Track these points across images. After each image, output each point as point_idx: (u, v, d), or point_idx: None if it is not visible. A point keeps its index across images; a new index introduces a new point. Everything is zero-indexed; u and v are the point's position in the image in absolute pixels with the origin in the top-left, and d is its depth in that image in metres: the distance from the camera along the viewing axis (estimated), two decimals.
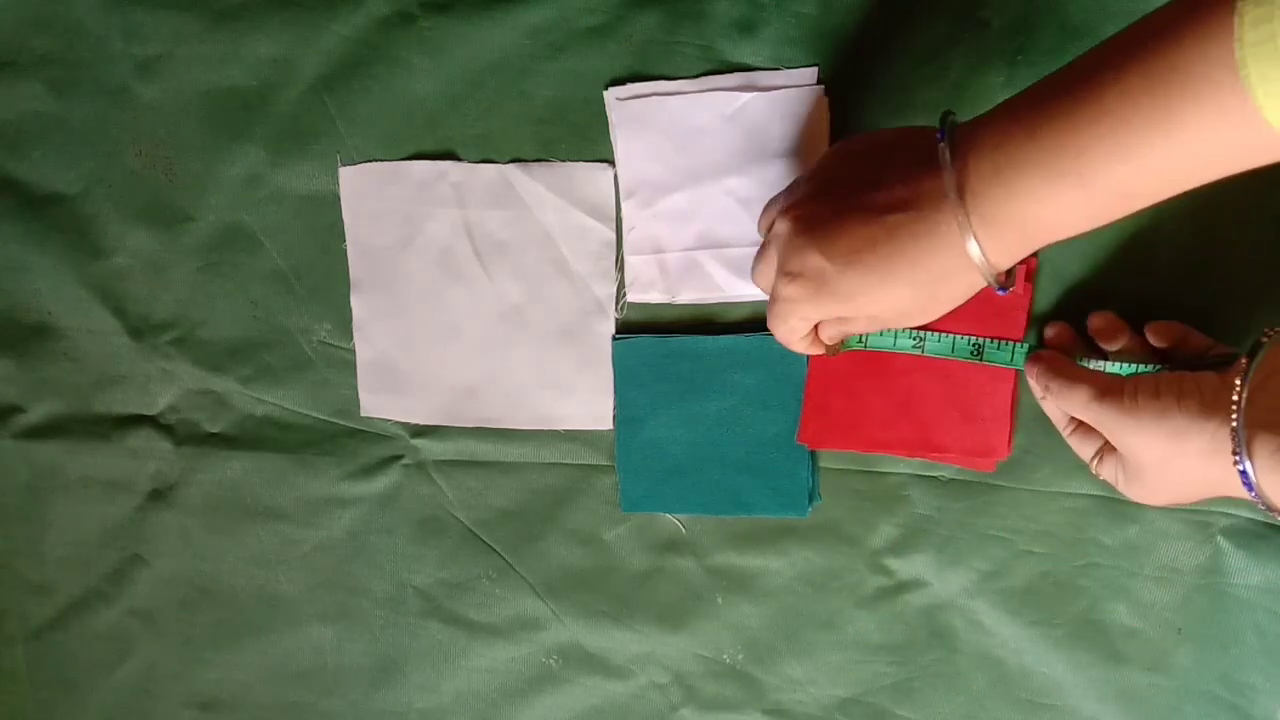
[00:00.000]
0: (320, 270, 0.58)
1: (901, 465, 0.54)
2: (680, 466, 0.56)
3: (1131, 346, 0.47)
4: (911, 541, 0.54)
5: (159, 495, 0.62)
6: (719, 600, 0.57)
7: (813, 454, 0.55)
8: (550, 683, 0.60)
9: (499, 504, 0.59)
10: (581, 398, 0.57)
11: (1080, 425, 0.48)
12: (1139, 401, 0.42)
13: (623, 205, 0.54)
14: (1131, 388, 0.42)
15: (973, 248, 0.37)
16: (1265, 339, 0.41)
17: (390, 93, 0.55)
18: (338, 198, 0.57)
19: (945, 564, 0.54)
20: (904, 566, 0.55)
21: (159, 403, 0.61)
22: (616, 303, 0.56)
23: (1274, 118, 0.29)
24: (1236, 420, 0.38)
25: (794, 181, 0.44)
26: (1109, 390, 0.43)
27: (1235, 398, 0.39)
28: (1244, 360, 0.40)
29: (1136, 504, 0.52)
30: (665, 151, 0.53)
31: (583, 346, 0.56)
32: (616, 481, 0.57)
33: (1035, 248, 0.37)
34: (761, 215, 0.47)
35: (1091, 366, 0.47)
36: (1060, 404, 0.46)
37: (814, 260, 0.40)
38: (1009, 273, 0.39)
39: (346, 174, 0.56)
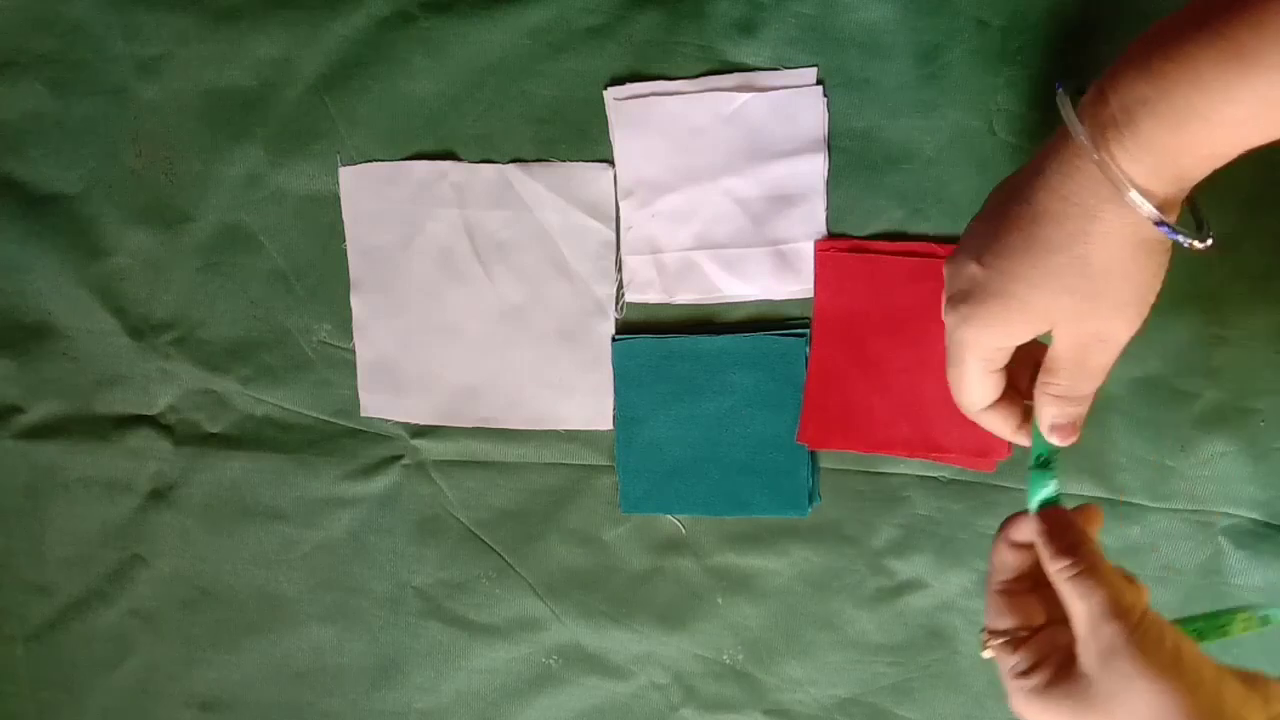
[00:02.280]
0: (320, 270, 0.58)
1: (902, 465, 0.54)
2: (680, 467, 0.56)
3: None
4: (911, 542, 0.54)
5: (159, 495, 0.62)
6: (719, 600, 0.57)
7: (813, 454, 0.55)
8: (550, 683, 0.60)
9: (499, 504, 0.59)
10: (581, 398, 0.57)
11: (1019, 583, 0.40)
12: (1163, 657, 0.34)
13: (620, 205, 0.54)
14: (1157, 631, 0.35)
15: (1135, 189, 0.33)
16: None
17: (390, 93, 0.55)
18: (338, 198, 0.57)
19: (945, 564, 0.54)
20: (904, 567, 0.55)
21: (159, 403, 0.61)
22: (616, 303, 0.56)
23: None
24: None
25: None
26: (1132, 614, 0.35)
27: None
28: None
29: (1137, 504, 0.52)
30: (663, 152, 0.53)
31: (582, 346, 0.56)
32: (616, 482, 0.57)
33: (1213, 165, 0.33)
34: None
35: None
36: (1066, 589, 0.37)
37: (969, 269, 0.37)
38: (1200, 224, 0.35)
39: (346, 174, 0.56)
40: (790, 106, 0.51)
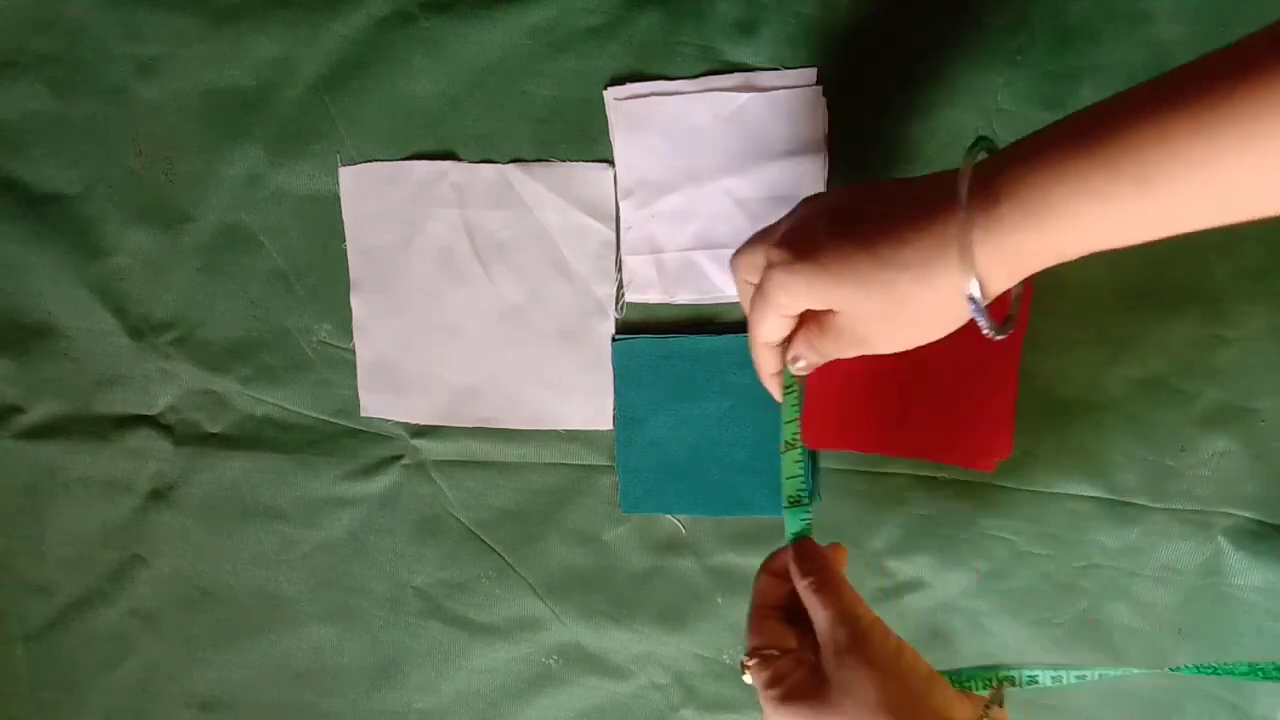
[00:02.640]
0: (320, 270, 0.58)
1: (902, 466, 0.54)
2: (680, 467, 0.56)
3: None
4: (912, 542, 0.54)
5: (159, 495, 0.62)
6: (719, 600, 0.57)
7: (813, 454, 0.55)
8: (550, 683, 0.60)
9: (499, 504, 0.59)
10: (581, 398, 0.57)
11: (773, 609, 0.45)
12: (872, 669, 0.40)
13: (620, 205, 0.54)
14: (880, 635, 0.41)
15: (966, 271, 0.36)
16: (993, 696, 0.43)
17: (390, 93, 0.55)
18: (338, 198, 0.57)
19: (945, 564, 0.54)
20: (904, 567, 0.55)
21: (159, 403, 0.61)
22: (616, 303, 0.56)
23: None
24: None
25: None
26: (858, 621, 0.41)
27: None
28: None
29: (1138, 505, 0.52)
30: (663, 152, 0.53)
31: (582, 346, 0.56)
32: (616, 482, 0.57)
33: (1040, 265, 0.36)
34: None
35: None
36: (807, 599, 0.43)
37: (818, 228, 0.39)
38: (1008, 319, 0.39)
39: (346, 174, 0.56)
40: (790, 106, 0.51)
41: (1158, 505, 0.52)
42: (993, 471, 0.53)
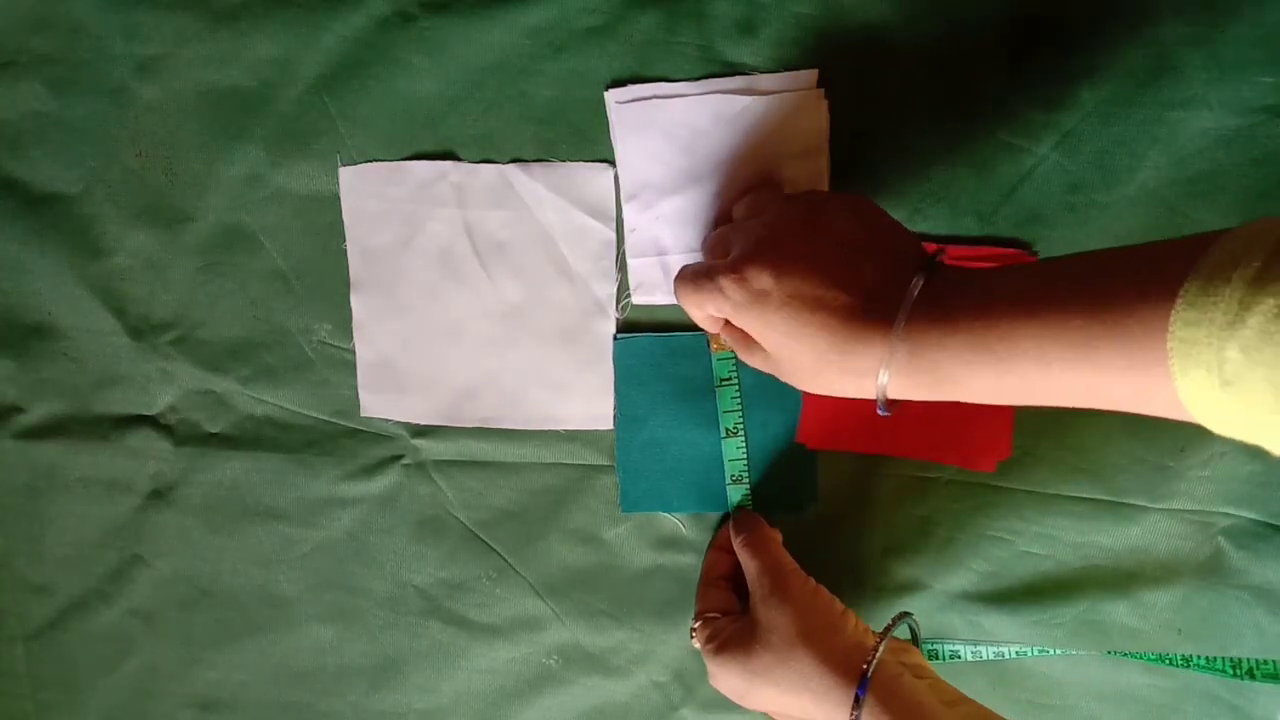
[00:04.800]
0: (320, 270, 0.58)
1: (902, 466, 0.54)
2: (680, 465, 0.56)
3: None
4: (911, 542, 0.55)
5: (159, 495, 0.62)
6: None
7: (813, 454, 0.55)
8: (550, 683, 0.60)
9: (499, 504, 0.59)
10: (582, 397, 0.57)
11: (718, 579, 0.53)
12: (801, 588, 0.48)
13: (624, 208, 0.54)
14: (800, 577, 0.49)
15: (882, 375, 0.40)
16: (898, 620, 0.47)
17: (390, 93, 0.55)
18: (338, 198, 0.57)
19: (945, 564, 0.54)
20: (904, 567, 0.55)
21: (159, 403, 0.61)
22: (618, 303, 0.56)
23: (1185, 397, 0.32)
24: (861, 692, 0.43)
25: (794, 197, 0.46)
26: (783, 568, 0.49)
27: (865, 668, 0.44)
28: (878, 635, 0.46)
29: (1138, 505, 0.52)
30: (666, 154, 0.53)
31: (583, 346, 0.56)
32: (616, 481, 0.57)
33: (936, 397, 0.40)
34: (750, 198, 0.48)
35: None
36: (740, 554, 0.52)
37: (765, 281, 0.42)
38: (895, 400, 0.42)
39: (346, 174, 0.56)
40: (792, 108, 0.51)
41: (1157, 505, 0.52)
42: (993, 471, 0.53)
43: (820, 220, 0.43)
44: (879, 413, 0.41)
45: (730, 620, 0.50)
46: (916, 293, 0.39)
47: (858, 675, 0.44)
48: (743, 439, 0.55)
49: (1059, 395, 0.36)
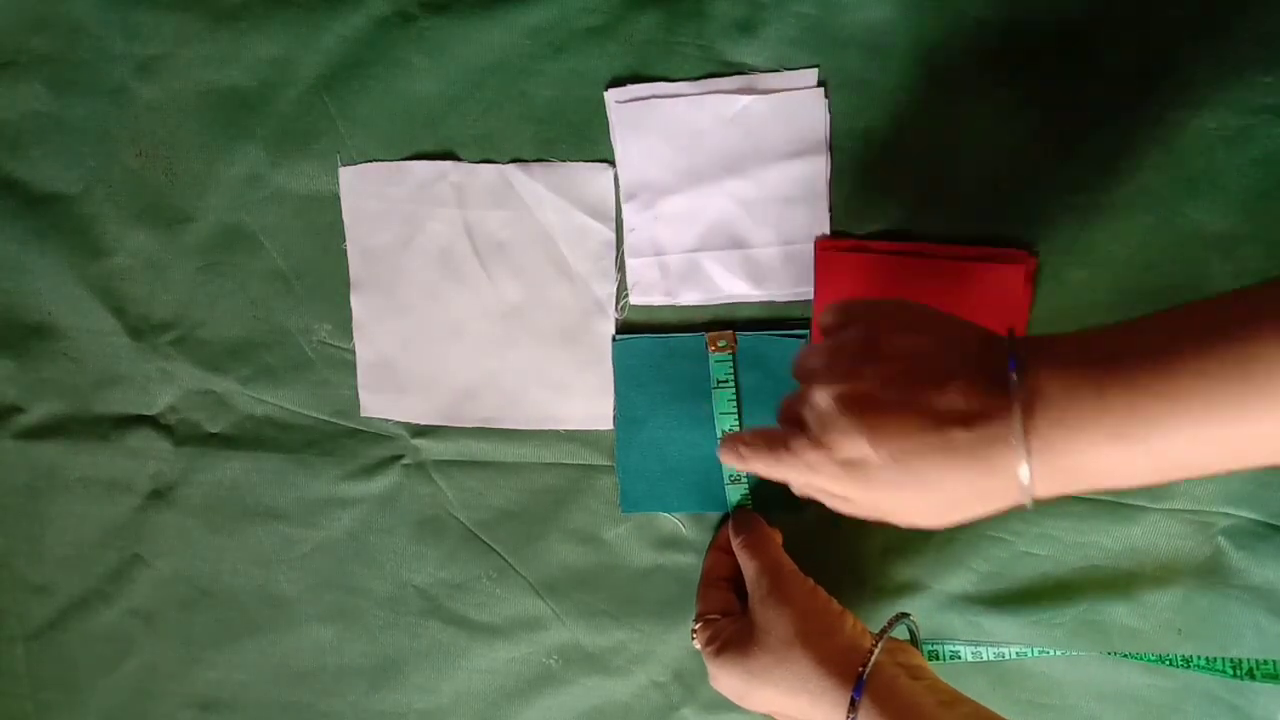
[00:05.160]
0: (320, 270, 0.58)
1: None
2: (680, 466, 0.56)
3: None
4: (911, 542, 0.55)
5: (159, 495, 0.62)
6: None
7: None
8: (550, 683, 0.60)
9: (499, 504, 0.59)
10: (581, 397, 0.57)
11: (719, 580, 0.53)
12: (800, 590, 0.48)
13: (624, 208, 0.54)
14: (800, 578, 0.48)
15: (1027, 483, 0.35)
16: (895, 621, 0.46)
17: (390, 93, 0.55)
18: (338, 198, 0.57)
19: (945, 564, 0.54)
20: (904, 567, 0.55)
21: (159, 403, 0.61)
22: (617, 303, 0.56)
23: None
24: (857, 694, 0.43)
25: (836, 338, 0.41)
26: (783, 568, 0.49)
27: (862, 670, 0.43)
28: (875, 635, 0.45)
29: (1138, 505, 0.52)
30: (665, 154, 0.53)
31: (583, 346, 0.56)
32: (616, 481, 0.57)
33: (1084, 491, 0.36)
34: (795, 363, 0.42)
35: None
36: (739, 555, 0.52)
37: (860, 448, 0.38)
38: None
39: (346, 174, 0.56)
40: (792, 108, 0.51)
41: (1157, 505, 0.52)
42: None
43: (878, 348, 0.39)
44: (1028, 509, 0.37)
45: (730, 621, 0.50)
46: (1019, 382, 0.35)
47: (854, 677, 0.44)
48: None
49: (1209, 456, 0.33)
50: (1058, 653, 0.54)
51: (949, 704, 0.44)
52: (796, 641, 0.46)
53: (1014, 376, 0.35)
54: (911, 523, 0.39)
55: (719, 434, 0.55)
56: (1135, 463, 0.34)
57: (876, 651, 0.44)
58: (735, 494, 0.55)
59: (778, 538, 0.53)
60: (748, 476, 0.55)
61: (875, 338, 0.39)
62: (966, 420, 0.36)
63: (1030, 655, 0.54)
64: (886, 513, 0.39)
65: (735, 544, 0.52)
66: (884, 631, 0.46)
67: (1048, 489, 0.35)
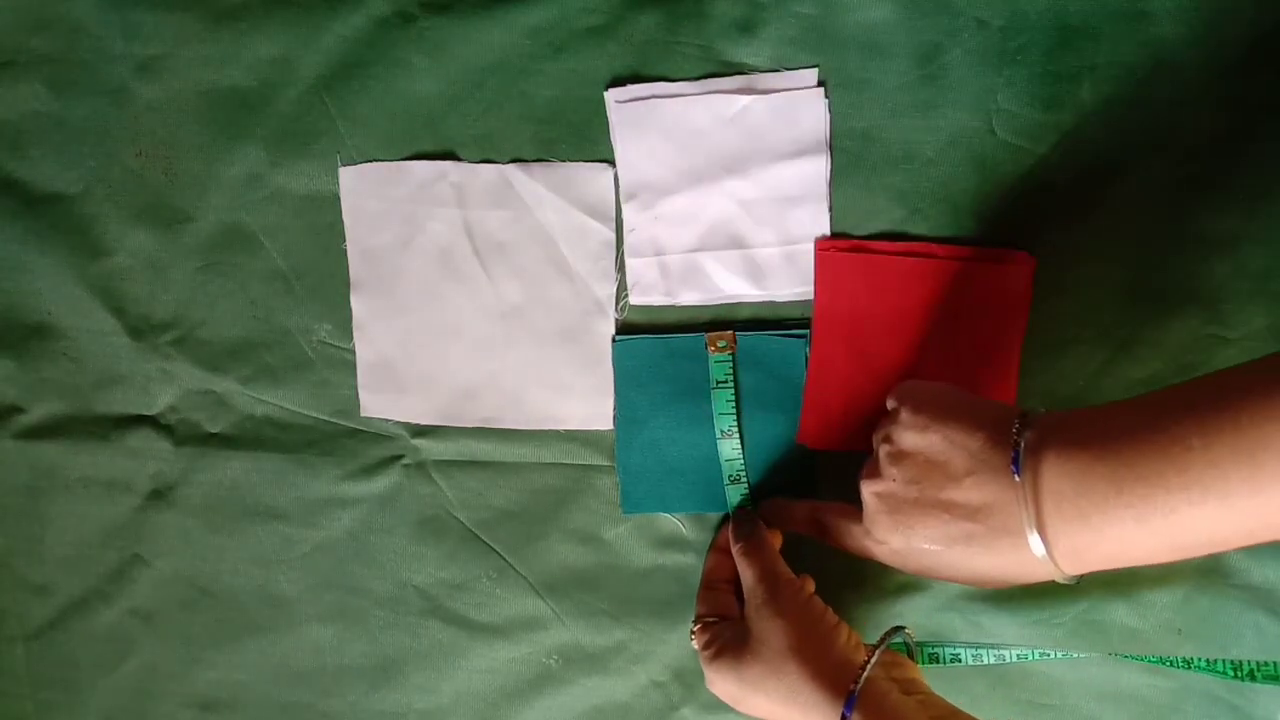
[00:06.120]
0: (320, 270, 0.58)
1: None
2: (681, 467, 0.56)
3: None
4: None
5: (159, 495, 0.62)
6: None
7: (813, 454, 0.55)
8: (550, 683, 0.60)
9: (499, 504, 0.59)
10: (581, 397, 0.57)
11: (718, 582, 0.53)
12: (799, 599, 0.47)
13: (623, 208, 0.54)
14: (799, 585, 0.48)
15: (1051, 567, 0.39)
16: (889, 636, 0.46)
17: (390, 93, 0.55)
18: (338, 198, 0.57)
19: None
20: None
21: (159, 403, 0.61)
22: (617, 303, 0.56)
23: None
24: (848, 710, 0.43)
25: (882, 430, 0.46)
26: (780, 574, 0.49)
27: (853, 686, 0.43)
28: (871, 647, 0.45)
29: None
30: (665, 154, 0.53)
31: (583, 346, 0.56)
32: (616, 481, 0.57)
33: (1113, 567, 0.38)
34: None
35: None
36: (737, 561, 0.51)
37: (896, 540, 0.44)
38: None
39: (346, 174, 0.56)
40: (792, 108, 0.51)
41: None
42: None
43: (900, 447, 0.44)
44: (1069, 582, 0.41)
45: (728, 626, 0.50)
46: (1025, 479, 0.38)
47: (846, 692, 0.44)
48: (738, 440, 0.55)
49: (1227, 534, 0.34)
50: (1059, 655, 0.54)
51: (942, 719, 0.44)
52: (790, 654, 0.45)
53: (1017, 478, 0.38)
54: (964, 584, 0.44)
55: (718, 434, 0.55)
56: (1152, 544, 0.35)
57: (868, 667, 0.44)
58: (735, 494, 0.55)
59: (777, 541, 0.53)
60: (748, 477, 0.55)
61: (899, 436, 0.44)
62: (980, 514, 0.40)
63: (1031, 658, 0.54)
64: (940, 579, 0.44)
65: (734, 549, 0.52)
66: (878, 646, 0.45)
67: (1075, 568, 0.39)
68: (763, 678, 0.46)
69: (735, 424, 0.54)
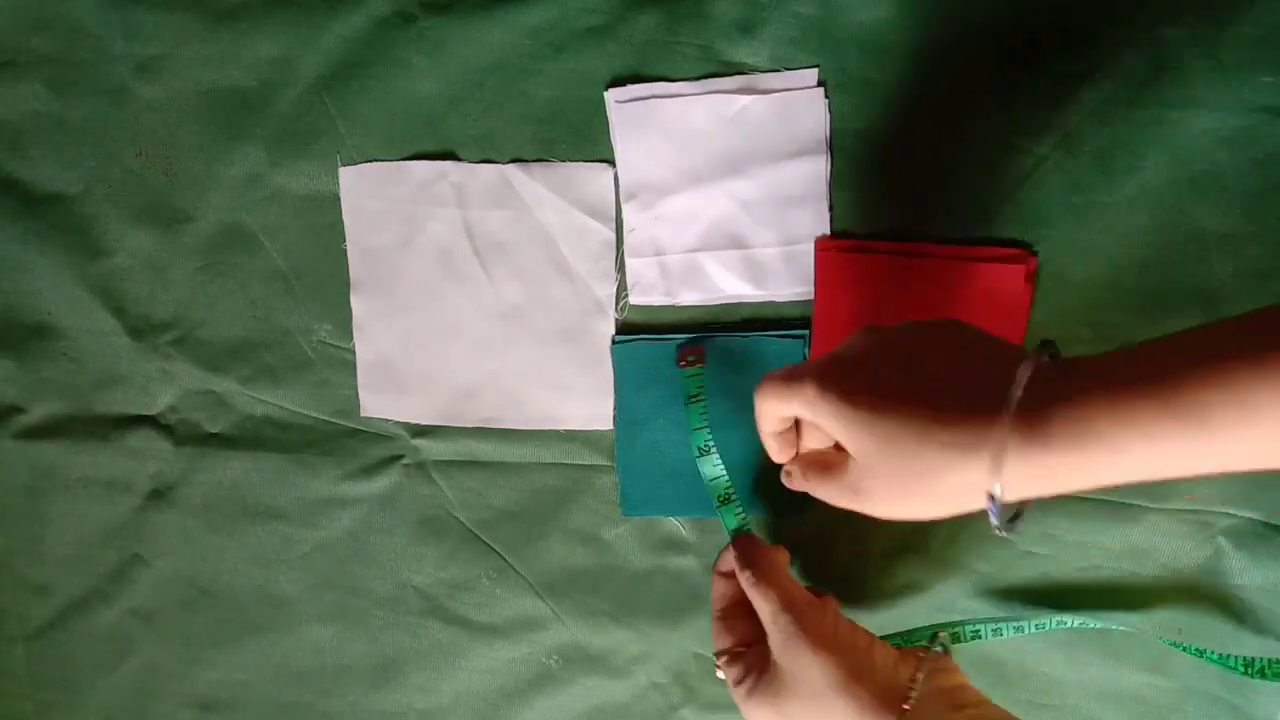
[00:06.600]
0: (320, 270, 0.58)
1: None
2: (681, 469, 0.56)
3: None
4: (911, 543, 0.54)
5: (159, 495, 0.62)
6: None
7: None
8: (550, 683, 0.60)
9: (499, 504, 0.59)
10: (581, 398, 0.57)
11: (732, 609, 0.49)
12: (824, 637, 0.44)
13: (623, 208, 0.54)
14: (819, 616, 0.44)
15: (994, 475, 0.35)
16: (934, 643, 0.44)
17: (390, 93, 0.55)
18: (338, 198, 0.57)
19: (946, 565, 0.54)
20: (904, 568, 0.55)
21: (159, 403, 0.61)
22: (617, 303, 0.56)
23: None
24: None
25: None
26: (800, 607, 0.45)
27: (906, 706, 0.41)
28: (919, 654, 0.43)
29: (1138, 505, 0.52)
30: (665, 154, 0.53)
31: (583, 346, 0.56)
32: (616, 481, 0.57)
33: (1067, 487, 0.35)
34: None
35: None
36: (751, 593, 0.47)
37: (865, 372, 0.39)
38: (1018, 516, 0.37)
39: (346, 174, 0.56)
40: (792, 108, 0.51)
41: (1157, 506, 0.52)
42: None
43: (913, 337, 0.39)
44: (997, 531, 0.36)
45: (755, 655, 0.47)
46: (1032, 368, 0.35)
47: (898, 713, 0.42)
48: (717, 456, 0.52)
49: (1261, 456, 0.32)
50: (1075, 624, 0.53)
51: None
52: (830, 692, 0.43)
53: (1034, 360, 0.35)
54: (891, 500, 0.39)
55: (695, 453, 0.52)
56: (1169, 456, 0.33)
57: (917, 685, 0.42)
58: (732, 519, 0.51)
59: (784, 558, 0.50)
60: (735, 493, 0.52)
61: (918, 337, 0.40)
62: (969, 390, 0.36)
63: (1048, 628, 0.53)
64: (867, 489, 0.39)
65: (743, 580, 0.48)
66: (921, 663, 0.43)
67: (1028, 484, 0.35)
68: (805, 713, 0.44)
69: (711, 440, 0.52)
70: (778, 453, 0.45)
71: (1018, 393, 0.34)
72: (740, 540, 0.50)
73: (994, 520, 0.36)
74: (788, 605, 0.45)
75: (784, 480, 0.46)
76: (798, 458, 0.45)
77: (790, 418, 0.42)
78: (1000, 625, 0.53)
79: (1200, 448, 0.32)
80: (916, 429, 0.36)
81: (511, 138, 0.55)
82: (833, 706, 0.43)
